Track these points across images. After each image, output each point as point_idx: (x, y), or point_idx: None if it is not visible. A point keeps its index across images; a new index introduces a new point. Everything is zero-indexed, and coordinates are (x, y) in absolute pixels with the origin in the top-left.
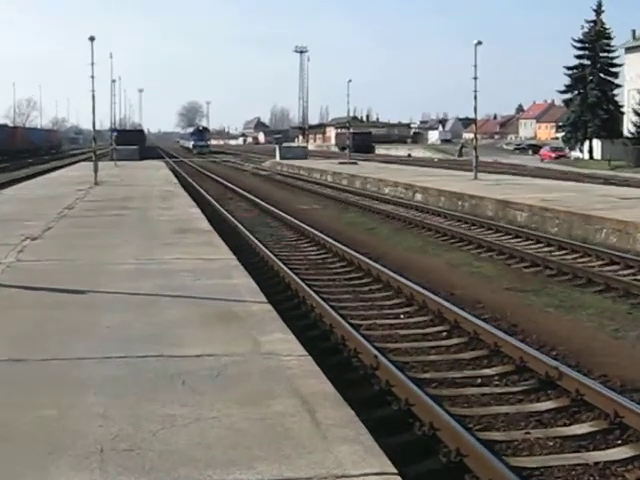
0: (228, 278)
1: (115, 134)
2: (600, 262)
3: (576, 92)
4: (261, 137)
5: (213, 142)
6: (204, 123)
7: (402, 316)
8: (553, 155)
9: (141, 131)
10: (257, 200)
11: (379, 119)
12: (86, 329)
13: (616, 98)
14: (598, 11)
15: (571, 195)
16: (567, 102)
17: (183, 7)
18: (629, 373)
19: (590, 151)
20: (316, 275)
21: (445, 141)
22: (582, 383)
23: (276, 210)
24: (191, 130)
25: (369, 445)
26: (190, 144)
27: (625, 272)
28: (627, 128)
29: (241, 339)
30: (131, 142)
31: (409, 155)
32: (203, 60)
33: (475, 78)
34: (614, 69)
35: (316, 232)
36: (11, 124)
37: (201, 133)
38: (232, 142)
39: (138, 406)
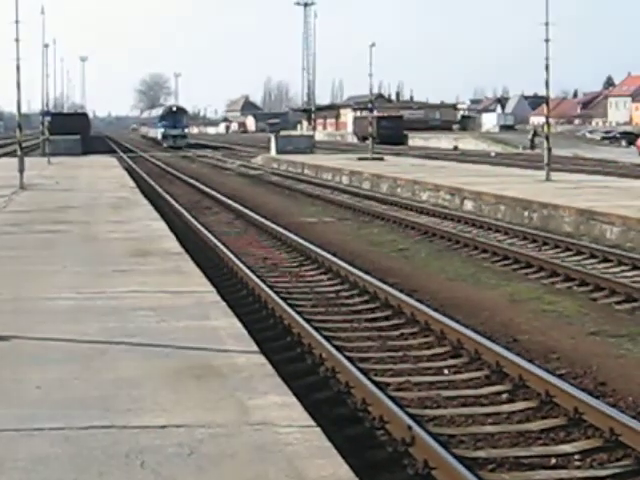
0: (204, 319)
1: (49, 119)
2: None
3: None
4: (250, 123)
5: None
6: (172, 101)
7: (446, 372)
8: None
9: (84, 115)
10: (245, 210)
11: (413, 98)
12: (8, 390)
13: None
14: None
15: None
16: None
17: None
18: None
19: None
20: (326, 315)
21: (506, 127)
22: None
23: (271, 224)
24: (159, 112)
25: None
26: (158, 133)
27: None
28: None
29: (223, 404)
30: (71, 130)
31: (455, 147)
32: (169, 17)
33: (547, 40)
34: None
35: (327, 255)
36: None
37: (175, 116)
38: (210, 130)
39: None
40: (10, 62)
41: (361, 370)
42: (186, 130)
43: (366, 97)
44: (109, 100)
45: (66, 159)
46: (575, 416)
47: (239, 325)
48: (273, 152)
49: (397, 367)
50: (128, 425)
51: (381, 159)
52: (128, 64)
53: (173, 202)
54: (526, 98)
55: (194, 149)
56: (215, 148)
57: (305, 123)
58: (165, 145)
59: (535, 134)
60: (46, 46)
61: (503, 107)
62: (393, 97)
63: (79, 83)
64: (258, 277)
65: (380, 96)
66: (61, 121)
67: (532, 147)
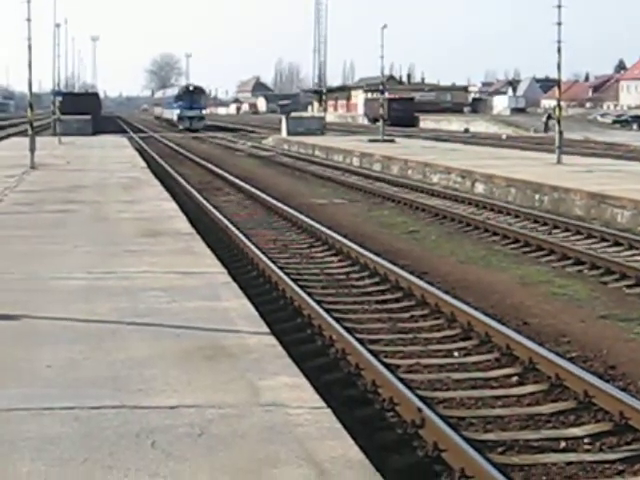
0: (215, 299)
1: (60, 99)
2: None
3: None
4: (261, 104)
5: None
6: (183, 82)
7: (456, 354)
8: None
9: (95, 95)
10: (256, 191)
11: (425, 80)
12: (19, 369)
13: None
14: None
15: None
16: None
17: None
18: None
19: None
20: (337, 297)
21: (517, 110)
22: None
23: (282, 205)
24: (175, 91)
25: None
26: (173, 114)
27: None
28: None
29: (233, 384)
30: (82, 110)
31: (466, 130)
32: None
33: (559, 24)
34: None
35: (337, 237)
36: None
37: (192, 96)
38: (221, 111)
39: (90, 477)
40: (22, 42)
41: (371, 352)
42: (204, 112)
43: (377, 79)
44: (120, 80)
45: (77, 139)
46: (585, 399)
47: (250, 306)
48: (284, 133)
49: (407, 349)
50: (139, 405)
51: (392, 141)
52: (139, 44)
53: (184, 183)
54: (537, 81)
55: (205, 130)
56: (226, 128)
57: (316, 104)
58: (181, 127)
59: (549, 117)
60: (57, 26)
61: (514, 90)
62: (404, 79)
63: (90, 63)
64: (269, 258)
65: (391, 78)
66: (72, 101)
67: (546, 130)
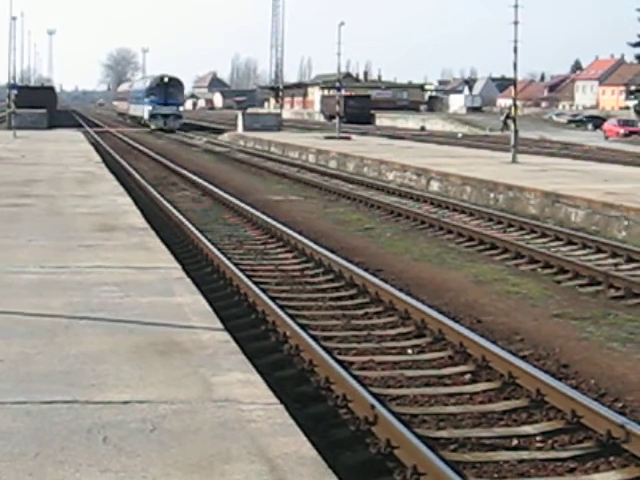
0: (169, 295)
1: (15, 92)
2: None
3: None
4: (218, 100)
5: None
6: (138, 77)
7: (410, 351)
8: (622, 131)
9: (51, 89)
10: (211, 187)
11: (381, 78)
12: None
13: None
14: None
15: None
16: None
17: None
18: None
19: None
20: (291, 293)
21: (473, 109)
22: None
23: (237, 201)
24: (145, 84)
25: None
26: (144, 111)
27: None
28: None
29: (186, 380)
30: (37, 104)
31: (422, 128)
32: None
33: (516, 23)
34: None
35: (293, 233)
36: None
37: (167, 89)
38: None
39: (41, 472)
40: None
41: (325, 349)
42: (181, 109)
43: (334, 76)
44: (76, 74)
45: (32, 133)
46: (537, 398)
47: (204, 302)
48: (240, 129)
49: (361, 346)
50: (91, 400)
51: (348, 138)
52: (96, 38)
53: (139, 178)
54: (494, 80)
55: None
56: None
57: (272, 101)
58: (153, 127)
59: (508, 116)
60: (14, 19)
61: (471, 89)
62: (361, 77)
63: (46, 56)
64: (223, 254)
65: (348, 75)
66: (27, 94)
67: (504, 128)
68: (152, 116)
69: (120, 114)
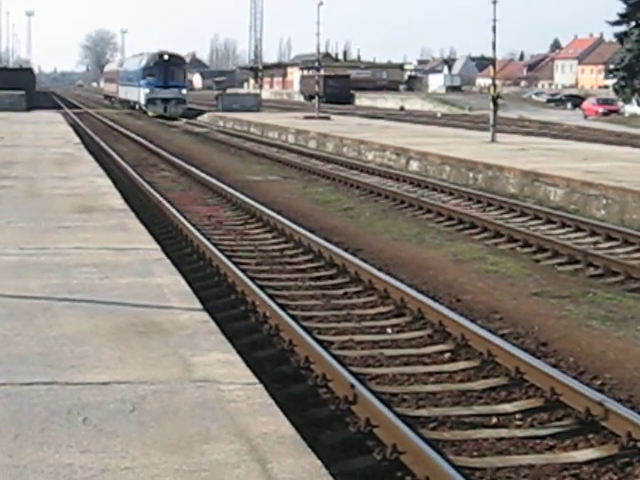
0: (148, 276)
1: None
2: None
3: (634, 23)
4: (197, 80)
5: None
6: (118, 58)
7: (389, 330)
8: (601, 110)
9: (29, 70)
10: (190, 168)
11: (361, 58)
12: None
13: None
14: None
15: (625, 166)
16: (621, 37)
17: None
18: None
19: None
20: (270, 273)
21: (453, 89)
22: (637, 425)
23: (216, 182)
24: (141, 62)
25: None
26: (140, 94)
27: None
28: None
29: (165, 361)
30: (16, 85)
31: (402, 108)
32: None
33: (494, 2)
34: None
35: (272, 213)
36: None
37: (168, 69)
38: None
39: (21, 453)
40: None
41: (304, 328)
42: (184, 91)
43: (313, 56)
44: (55, 56)
45: (10, 114)
46: (516, 376)
47: (183, 282)
48: (219, 110)
49: (340, 326)
50: (70, 382)
51: (327, 118)
52: (74, 20)
53: (118, 159)
54: (473, 60)
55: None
56: None
57: (252, 81)
58: (151, 114)
59: (498, 96)
60: None
61: (450, 68)
62: (340, 56)
63: (25, 38)
64: (203, 235)
65: (327, 55)
66: (5, 76)
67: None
68: (150, 101)
69: (107, 97)
